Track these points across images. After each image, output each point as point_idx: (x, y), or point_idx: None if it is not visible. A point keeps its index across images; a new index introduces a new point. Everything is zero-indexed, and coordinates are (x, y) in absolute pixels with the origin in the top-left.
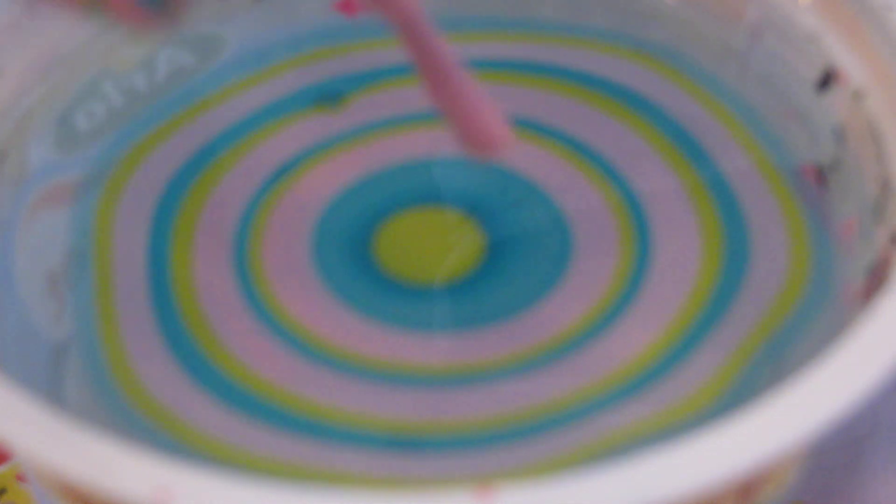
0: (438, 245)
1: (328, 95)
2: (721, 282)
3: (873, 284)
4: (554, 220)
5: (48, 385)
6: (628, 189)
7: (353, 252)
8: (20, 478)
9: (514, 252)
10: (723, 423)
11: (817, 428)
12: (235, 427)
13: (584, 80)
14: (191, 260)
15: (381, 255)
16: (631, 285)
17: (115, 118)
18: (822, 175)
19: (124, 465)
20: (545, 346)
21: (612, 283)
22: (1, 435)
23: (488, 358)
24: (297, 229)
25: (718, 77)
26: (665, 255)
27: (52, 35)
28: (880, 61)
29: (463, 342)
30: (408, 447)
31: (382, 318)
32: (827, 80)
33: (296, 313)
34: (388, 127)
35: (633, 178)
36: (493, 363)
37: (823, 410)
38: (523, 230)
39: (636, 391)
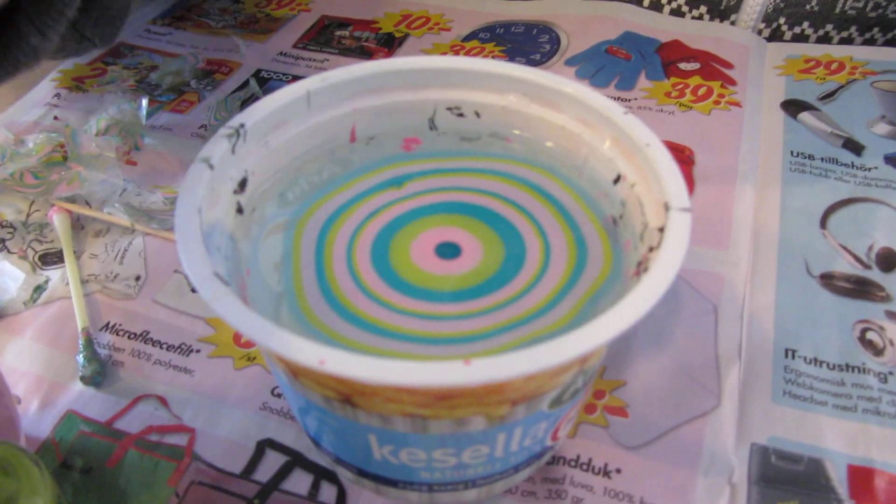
0: (448, 262)
1: (395, 182)
2: (573, 276)
3: (640, 270)
4: (518, 252)
5: (273, 314)
6: (546, 240)
7: (390, 265)
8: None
9: (494, 272)
10: (573, 331)
11: (616, 333)
12: (355, 333)
13: (516, 178)
14: (331, 263)
15: (409, 266)
16: (536, 281)
17: (303, 194)
18: (616, 221)
19: (304, 348)
20: (497, 304)
21: (528, 280)
22: (252, 337)
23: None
24: (365, 251)
25: (573, 180)
26: (554, 269)
27: (279, 155)
28: (642, 169)
29: (463, 321)
30: (430, 343)
31: (420, 297)
32: (618, 179)
33: (376, 292)
34: (430, 192)
35: (549, 234)
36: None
37: (617, 326)
38: (500, 260)
39: (534, 319)
